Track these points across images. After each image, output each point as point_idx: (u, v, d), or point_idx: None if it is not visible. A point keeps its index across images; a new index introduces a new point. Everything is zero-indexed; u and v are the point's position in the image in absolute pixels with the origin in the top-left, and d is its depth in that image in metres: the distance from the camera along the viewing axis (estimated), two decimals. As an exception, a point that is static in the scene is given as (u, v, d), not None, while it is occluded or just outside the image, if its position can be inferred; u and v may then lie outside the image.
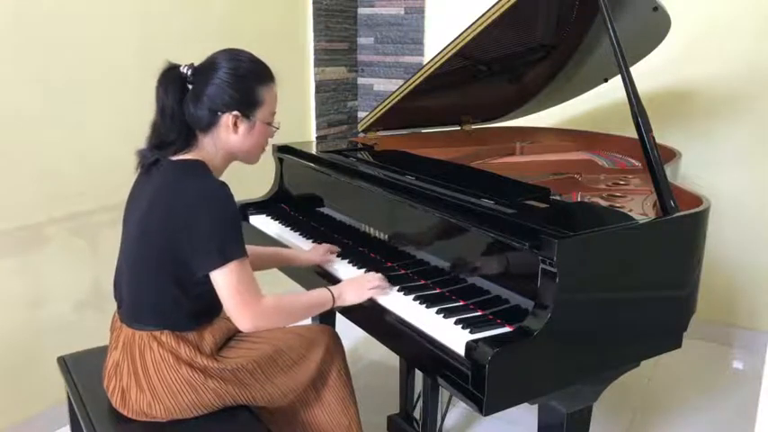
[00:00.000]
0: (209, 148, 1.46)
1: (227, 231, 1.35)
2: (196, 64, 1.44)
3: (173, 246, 1.36)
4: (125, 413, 1.44)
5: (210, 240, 1.34)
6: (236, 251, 1.35)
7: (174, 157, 1.43)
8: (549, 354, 1.22)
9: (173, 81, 1.42)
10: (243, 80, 1.42)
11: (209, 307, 1.46)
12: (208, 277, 1.36)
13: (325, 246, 1.77)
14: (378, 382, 2.54)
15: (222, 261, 1.34)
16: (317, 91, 3.37)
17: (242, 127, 1.44)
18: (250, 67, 1.45)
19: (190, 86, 1.43)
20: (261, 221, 2.08)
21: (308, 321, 2.14)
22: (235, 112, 1.42)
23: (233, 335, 1.53)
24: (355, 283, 1.52)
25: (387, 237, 1.70)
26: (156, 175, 1.43)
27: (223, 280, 1.35)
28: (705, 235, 1.46)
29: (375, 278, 1.51)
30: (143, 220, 1.41)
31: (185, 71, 1.42)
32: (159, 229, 1.38)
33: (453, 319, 1.31)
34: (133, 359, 1.41)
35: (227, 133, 1.44)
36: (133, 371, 1.41)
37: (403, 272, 1.60)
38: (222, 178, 1.44)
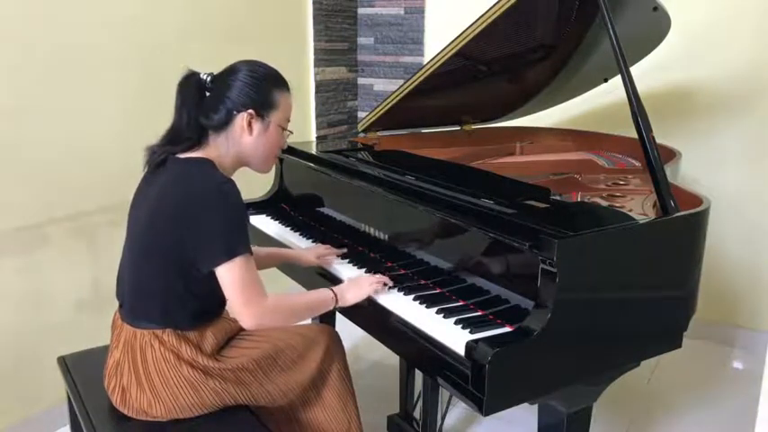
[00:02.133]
0: (221, 147, 1.47)
1: (233, 227, 1.36)
2: (212, 72, 1.48)
3: (179, 242, 1.36)
4: (125, 412, 1.44)
5: (216, 236, 1.34)
6: (241, 247, 1.36)
7: (183, 155, 1.44)
8: (549, 354, 1.21)
9: (191, 87, 1.45)
10: (260, 81, 1.46)
11: (211, 306, 1.46)
12: (212, 274, 1.37)
13: (326, 245, 1.77)
14: (378, 382, 2.54)
15: (228, 257, 1.34)
16: (317, 91, 3.37)
17: (256, 127, 1.46)
18: (268, 72, 1.49)
19: (208, 93, 1.46)
20: (261, 221, 2.08)
21: (309, 321, 2.14)
22: (250, 111, 1.44)
23: (234, 334, 1.53)
24: (356, 282, 1.53)
25: (387, 237, 1.70)
26: (163, 174, 1.44)
27: (228, 276, 1.35)
28: (705, 235, 1.46)
29: (375, 276, 1.52)
30: (150, 217, 1.41)
31: (204, 78, 1.46)
32: (166, 225, 1.38)
33: (453, 319, 1.31)
34: (134, 358, 1.41)
35: (242, 133, 1.46)
36: (134, 369, 1.41)
37: (403, 272, 1.60)
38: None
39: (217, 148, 1.47)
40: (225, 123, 1.45)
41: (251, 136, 1.46)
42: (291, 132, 1.56)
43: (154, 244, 1.41)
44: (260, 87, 1.46)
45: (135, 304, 1.45)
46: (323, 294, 1.50)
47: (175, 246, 1.37)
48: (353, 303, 1.51)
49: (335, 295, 1.50)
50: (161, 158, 1.45)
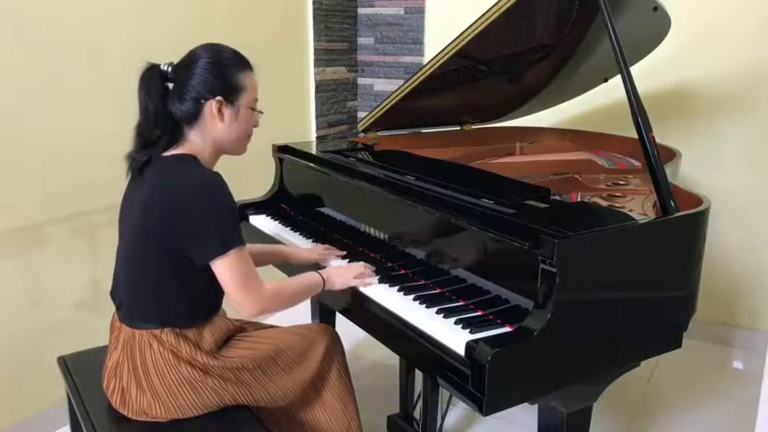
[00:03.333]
0: (197, 141, 1.46)
1: (224, 221, 1.36)
2: (172, 61, 1.46)
3: (172, 238, 1.36)
4: (125, 413, 1.44)
5: (209, 230, 1.35)
6: (234, 240, 1.36)
7: (165, 153, 1.44)
8: (549, 354, 1.22)
9: (153, 80, 1.44)
10: (222, 67, 1.44)
11: (208, 302, 1.47)
12: (207, 269, 1.37)
13: (324, 245, 1.77)
14: (378, 382, 2.54)
15: (222, 250, 1.34)
16: (317, 91, 3.37)
17: (227, 113, 1.44)
18: (228, 56, 1.46)
19: (171, 84, 1.44)
20: (261, 221, 2.08)
21: (309, 321, 2.14)
22: (218, 98, 1.42)
23: (233, 334, 1.53)
24: (342, 269, 1.57)
25: (387, 237, 1.70)
26: (150, 174, 1.43)
27: (224, 269, 1.36)
28: (705, 235, 1.46)
29: (359, 266, 1.56)
30: (141, 217, 1.41)
31: (165, 68, 1.44)
32: (158, 223, 1.38)
33: (453, 319, 1.31)
34: (133, 358, 1.41)
35: (213, 121, 1.44)
36: (133, 370, 1.41)
37: (403, 272, 1.60)
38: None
39: (195, 143, 1.46)
40: (194, 114, 1.43)
41: (223, 122, 1.44)
42: (262, 113, 1.54)
43: (146, 244, 1.40)
44: (223, 73, 1.43)
45: (132, 305, 1.45)
46: (312, 277, 1.53)
47: (168, 244, 1.37)
48: (341, 289, 1.54)
49: (323, 278, 1.53)
50: (143, 161, 1.43)
